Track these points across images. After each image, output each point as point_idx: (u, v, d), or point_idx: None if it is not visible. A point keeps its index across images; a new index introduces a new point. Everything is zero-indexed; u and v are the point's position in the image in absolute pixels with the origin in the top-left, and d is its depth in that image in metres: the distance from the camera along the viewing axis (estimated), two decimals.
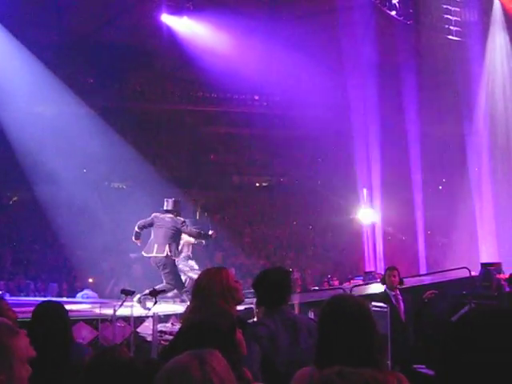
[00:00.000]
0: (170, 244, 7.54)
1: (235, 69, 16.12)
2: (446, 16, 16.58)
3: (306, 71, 17.21)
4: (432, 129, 15.65)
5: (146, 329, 6.26)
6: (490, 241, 14.41)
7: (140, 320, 6.45)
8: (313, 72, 16.92)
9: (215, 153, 21.27)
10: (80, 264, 12.95)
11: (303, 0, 17.55)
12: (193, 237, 8.06)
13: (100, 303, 7.72)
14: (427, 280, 9.88)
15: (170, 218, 7.68)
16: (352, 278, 12.16)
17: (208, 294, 2.89)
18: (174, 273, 7.64)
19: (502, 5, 17.02)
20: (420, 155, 14.60)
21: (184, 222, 7.67)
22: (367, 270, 12.89)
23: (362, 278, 12.07)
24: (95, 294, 10.47)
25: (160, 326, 5.97)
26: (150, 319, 6.01)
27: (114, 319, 5.87)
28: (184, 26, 16.25)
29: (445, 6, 16.60)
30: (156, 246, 7.57)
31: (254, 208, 20.21)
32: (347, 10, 15.84)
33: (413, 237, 14.53)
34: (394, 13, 16.33)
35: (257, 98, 20.48)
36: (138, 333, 6.25)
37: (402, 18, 16.07)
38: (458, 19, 16.61)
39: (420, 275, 10.78)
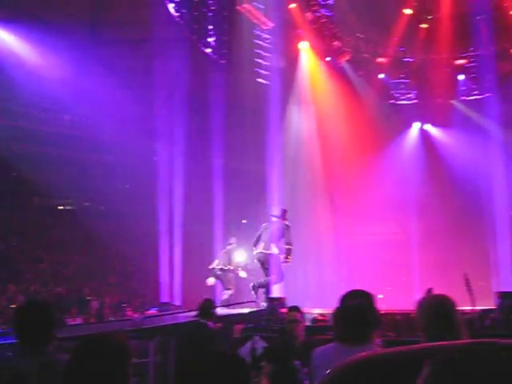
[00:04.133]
0: None
1: (43, 84, 15.52)
2: (256, 60, 17.58)
3: (118, 96, 17.04)
4: (238, 166, 16.34)
5: None
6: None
7: None
8: (124, 97, 16.85)
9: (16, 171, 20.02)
10: None
11: (123, 24, 17.52)
12: None
13: None
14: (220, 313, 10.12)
15: None
16: (147, 309, 12.13)
17: None
18: None
19: (308, 58, 18.53)
20: (223, 191, 15.10)
21: None
22: (163, 300, 12.88)
23: (156, 308, 12.08)
24: None
25: None
26: None
27: None
28: None
29: (256, 51, 17.60)
30: None
31: (54, 232, 19.31)
32: (163, 41, 16.03)
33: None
34: (209, 50, 16.91)
35: (66, 117, 19.81)
36: None
37: (216, 57, 16.71)
38: (268, 64, 17.69)
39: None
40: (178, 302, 13.00)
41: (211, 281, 13.14)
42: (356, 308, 3.41)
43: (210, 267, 13.33)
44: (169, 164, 14.36)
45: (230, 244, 13.67)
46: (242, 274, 13.25)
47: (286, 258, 11.68)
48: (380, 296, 12.61)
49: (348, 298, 3.60)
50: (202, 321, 7.11)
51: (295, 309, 5.89)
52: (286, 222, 12.10)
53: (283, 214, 12.23)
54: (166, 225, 13.94)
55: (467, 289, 6.78)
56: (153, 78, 15.19)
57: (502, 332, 7.75)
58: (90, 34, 18.20)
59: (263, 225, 12.28)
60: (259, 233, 12.15)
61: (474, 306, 6.82)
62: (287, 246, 11.74)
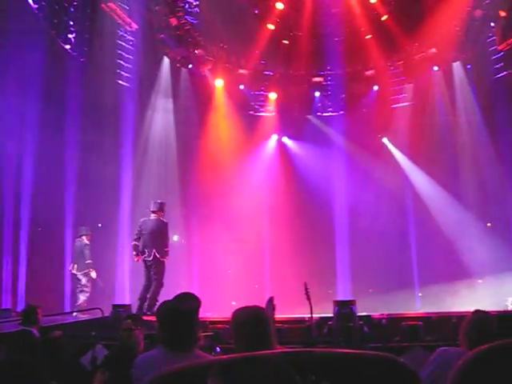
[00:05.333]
0: None
1: None
2: (118, 61, 17.24)
3: None
4: (92, 166, 15.87)
5: None
6: (126, 283, 15.33)
7: None
8: None
9: None
10: None
11: None
12: None
13: None
14: (60, 320, 9.79)
15: None
16: None
17: None
18: None
19: (170, 62, 18.49)
20: (74, 194, 14.61)
21: None
22: (4, 306, 12.18)
23: None
24: None
25: None
26: None
27: None
28: None
29: (119, 52, 17.26)
30: None
31: None
32: (20, 34, 15.19)
33: (61, 274, 14.29)
34: (68, 47, 16.30)
35: None
36: None
37: (75, 54, 16.13)
38: (130, 66, 17.42)
39: (56, 314, 10.63)
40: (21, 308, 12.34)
41: (94, 274, 12.81)
42: (187, 312, 3.44)
43: (71, 270, 12.95)
44: (17, 163, 13.61)
45: (80, 237, 13.22)
46: (93, 274, 12.92)
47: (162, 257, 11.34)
48: (233, 303, 12.83)
49: (175, 302, 3.57)
50: (25, 328, 6.85)
51: (130, 317, 5.88)
52: (163, 219, 11.73)
53: (160, 209, 11.85)
54: (10, 225, 13.19)
55: (306, 297, 7.11)
56: (6, 70, 14.36)
57: (338, 339, 8.23)
58: None
59: (141, 220, 11.83)
60: (137, 232, 11.66)
61: (312, 314, 7.17)
62: (162, 245, 11.42)
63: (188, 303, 3.49)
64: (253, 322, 2.95)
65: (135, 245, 11.54)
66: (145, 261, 11.42)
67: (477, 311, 3.71)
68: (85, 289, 12.79)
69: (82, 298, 12.65)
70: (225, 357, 1.50)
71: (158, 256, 11.25)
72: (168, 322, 3.44)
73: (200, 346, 3.64)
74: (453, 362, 3.21)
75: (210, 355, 3.55)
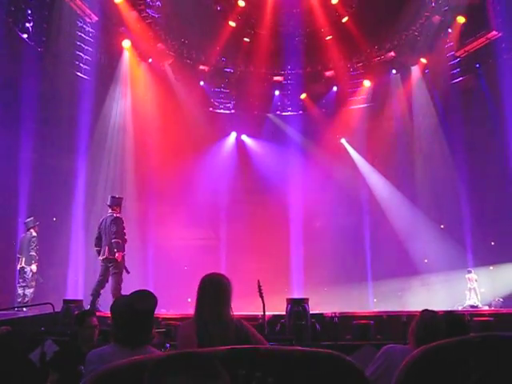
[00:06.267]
0: None
1: None
2: (77, 52, 16.95)
3: None
4: (47, 160, 15.57)
5: None
6: (79, 278, 15.13)
7: None
8: None
9: None
10: None
11: None
12: None
13: None
14: (8, 315, 9.57)
15: None
16: None
17: None
18: None
19: (130, 57, 18.26)
20: (28, 187, 14.29)
21: None
22: None
23: None
24: None
25: None
26: None
27: None
28: None
29: (78, 43, 16.97)
30: None
31: None
32: None
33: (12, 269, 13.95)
34: (25, 36, 15.95)
35: None
36: None
37: (33, 44, 15.79)
38: (89, 58, 17.15)
39: (4, 309, 10.37)
40: None
41: (34, 268, 12.46)
42: (147, 311, 3.42)
43: (19, 267, 12.54)
44: None
45: (28, 230, 12.86)
46: (34, 267, 12.57)
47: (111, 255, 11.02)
48: (189, 300, 12.77)
49: (133, 300, 3.52)
50: None
51: (91, 313, 5.79)
52: (117, 214, 11.37)
53: (117, 203, 11.53)
54: None
55: (259, 295, 7.14)
56: None
57: (289, 337, 8.30)
58: None
59: (101, 219, 11.49)
60: (99, 230, 11.32)
61: (265, 312, 7.20)
62: (115, 240, 11.03)
63: (145, 303, 3.45)
64: (216, 283, 3.68)
65: (95, 244, 11.34)
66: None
67: (425, 311, 3.81)
68: (31, 283, 12.46)
69: (28, 291, 12.32)
70: (165, 353, 1.49)
71: (106, 253, 11.03)
72: (123, 320, 3.41)
73: (152, 343, 3.62)
74: (398, 359, 3.30)
75: (160, 351, 3.55)
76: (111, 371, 1.48)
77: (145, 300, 3.53)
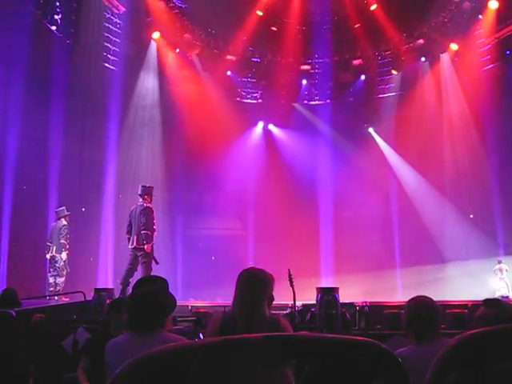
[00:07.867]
0: None
1: None
2: (105, 44, 17.08)
3: None
4: (77, 150, 15.75)
5: None
6: (109, 267, 15.27)
7: None
8: None
9: None
10: None
11: None
12: None
13: None
14: (41, 303, 9.74)
15: None
16: None
17: None
18: None
19: (158, 47, 18.37)
20: (57, 178, 14.44)
21: None
22: None
23: None
24: None
25: None
26: None
27: None
28: None
29: (106, 34, 17.09)
30: None
31: None
32: (5, 14, 14.94)
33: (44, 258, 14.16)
34: (54, 28, 16.10)
35: None
36: None
37: (61, 36, 15.93)
38: (117, 50, 17.27)
39: (37, 297, 10.57)
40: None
41: (64, 256, 12.56)
42: (145, 294, 3.44)
43: (48, 256, 12.66)
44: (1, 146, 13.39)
45: (59, 219, 12.93)
46: (64, 255, 12.65)
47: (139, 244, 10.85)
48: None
49: (140, 285, 3.60)
50: (4, 310, 6.81)
51: (124, 301, 5.82)
52: (148, 204, 11.13)
53: (147, 193, 11.29)
54: None
55: (290, 284, 7.12)
56: None
57: (319, 326, 8.30)
58: None
59: (132, 208, 11.33)
60: (130, 218, 11.12)
61: (295, 301, 7.20)
62: (144, 232, 10.86)
63: (145, 286, 3.52)
64: (250, 278, 3.56)
65: (126, 231, 11.31)
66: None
67: (410, 301, 3.87)
68: (62, 272, 12.57)
69: (59, 280, 12.45)
70: (206, 340, 1.50)
71: (135, 243, 10.99)
72: (130, 305, 3.49)
73: (182, 332, 3.65)
74: (410, 361, 3.26)
75: (182, 337, 3.55)
76: (149, 358, 1.48)
77: (145, 283, 3.61)
